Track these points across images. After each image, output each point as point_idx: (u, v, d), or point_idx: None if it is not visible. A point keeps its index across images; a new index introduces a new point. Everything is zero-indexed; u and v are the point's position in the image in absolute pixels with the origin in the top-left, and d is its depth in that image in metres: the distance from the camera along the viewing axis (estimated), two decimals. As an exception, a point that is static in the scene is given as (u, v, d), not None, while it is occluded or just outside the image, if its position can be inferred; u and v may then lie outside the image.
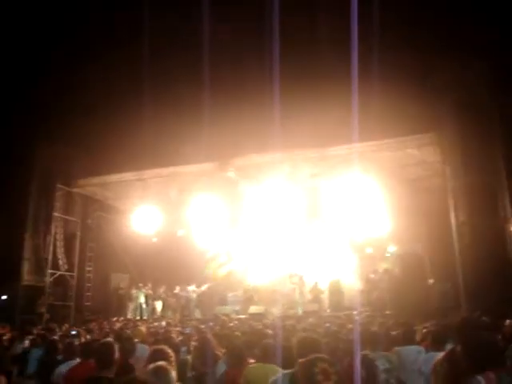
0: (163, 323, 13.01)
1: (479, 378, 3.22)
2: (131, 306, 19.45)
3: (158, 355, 3.96)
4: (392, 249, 18.09)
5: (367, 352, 5.28)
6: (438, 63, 12.88)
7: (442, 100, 12.88)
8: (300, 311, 16.88)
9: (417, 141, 14.35)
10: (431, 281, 15.48)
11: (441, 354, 3.66)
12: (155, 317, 18.40)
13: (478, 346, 3.30)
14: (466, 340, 3.39)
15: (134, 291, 19.70)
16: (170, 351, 4.06)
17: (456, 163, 13.24)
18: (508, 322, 7.01)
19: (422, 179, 16.01)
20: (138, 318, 18.30)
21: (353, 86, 10.12)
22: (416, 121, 13.31)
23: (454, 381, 3.31)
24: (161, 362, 3.55)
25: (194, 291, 19.86)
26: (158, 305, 19.66)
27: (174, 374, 3.39)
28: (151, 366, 3.48)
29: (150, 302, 19.73)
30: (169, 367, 3.41)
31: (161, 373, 3.32)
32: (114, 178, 17.19)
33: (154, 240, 19.80)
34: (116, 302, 19.65)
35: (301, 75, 13.32)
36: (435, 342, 5.20)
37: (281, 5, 10.15)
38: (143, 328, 9.47)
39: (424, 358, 4.84)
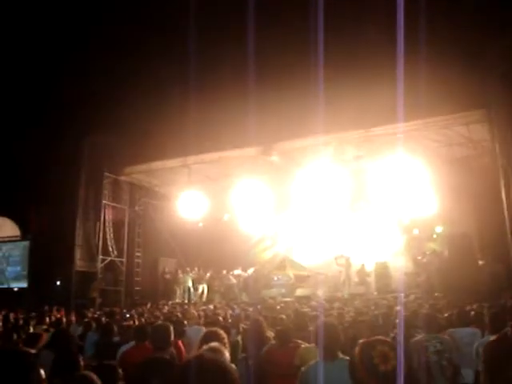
0: (211, 306, 13.20)
1: None
2: (179, 290, 19.79)
3: (211, 337, 4.02)
4: (439, 230, 17.76)
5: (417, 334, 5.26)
6: (486, 39, 12.45)
7: (490, 76, 12.47)
8: (346, 294, 16.79)
9: (465, 118, 13.98)
10: (481, 262, 15.14)
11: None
12: (203, 300, 18.67)
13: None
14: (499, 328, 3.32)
15: (181, 275, 20.02)
16: (222, 333, 4.11)
17: (506, 140, 12.84)
18: None
19: (469, 158, 15.62)
20: (186, 301, 18.59)
21: (398, 64, 9.93)
22: (464, 98, 12.94)
23: (503, 364, 3.26)
24: (214, 343, 3.60)
25: (240, 275, 20.04)
26: (205, 289, 19.92)
27: (227, 354, 3.43)
28: (205, 346, 3.53)
29: (196, 286, 20.02)
30: (222, 348, 3.45)
31: (215, 353, 3.36)
32: (159, 164, 17.44)
33: (200, 225, 20.04)
34: (164, 287, 20.05)
35: (344, 54, 13.12)
36: (494, 324, 4.89)
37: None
38: (193, 310, 9.67)
39: (482, 342, 4.65)
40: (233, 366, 1.74)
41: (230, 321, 8.44)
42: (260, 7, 13.19)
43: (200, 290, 19.87)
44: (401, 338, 4.76)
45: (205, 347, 3.55)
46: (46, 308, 12.47)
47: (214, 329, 4.28)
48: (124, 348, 5.23)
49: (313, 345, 4.90)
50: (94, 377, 2.79)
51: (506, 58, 12.20)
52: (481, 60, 12.70)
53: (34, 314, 10.89)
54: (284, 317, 7.80)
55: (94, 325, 8.05)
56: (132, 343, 5.21)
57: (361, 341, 2.48)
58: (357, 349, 2.42)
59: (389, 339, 2.51)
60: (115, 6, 14.72)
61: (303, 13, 11.42)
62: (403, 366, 2.39)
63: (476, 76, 12.64)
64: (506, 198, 12.84)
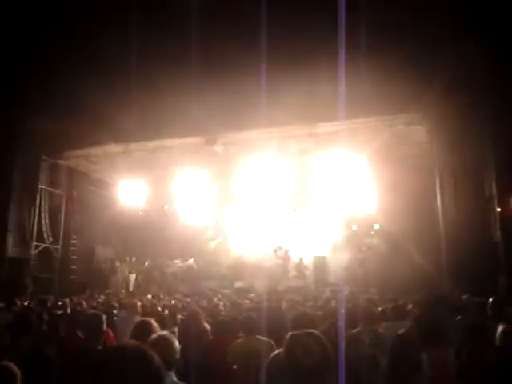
0: (148, 296, 13.03)
1: (423, 355, 3.26)
2: (115, 279, 19.46)
3: (143, 327, 3.93)
4: (377, 226, 18.23)
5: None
6: (430, 41, 12.80)
7: (431, 79, 12.83)
8: (283, 287, 16.97)
9: (405, 119, 14.35)
10: (415, 259, 15.65)
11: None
12: (139, 290, 18.43)
13: (427, 322, 3.34)
14: (419, 316, 3.44)
15: (118, 264, 19.69)
16: (154, 323, 4.03)
17: (443, 143, 13.29)
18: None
19: (409, 158, 16.05)
20: (123, 291, 18.29)
21: (340, 62, 10.07)
22: (405, 99, 13.25)
23: (403, 356, 3.37)
24: (163, 332, 3.52)
25: (179, 265, 19.92)
26: (143, 278, 19.67)
27: (176, 344, 3.33)
28: (154, 335, 3.44)
29: (134, 275, 19.74)
30: (173, 337, 3.36)
31: (164, 343, 3.26)
32: (99, 149, 16.99)
33: (140, 214, 19.76)
34: (100, 275, 19.62)
35: (289, 50, 13.18)
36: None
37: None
38: (127, 300, 9.48)
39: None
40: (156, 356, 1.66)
41: (166, 312, 8.33)
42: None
43: (137, 280, 19.61)
44: (340, 331, 4.83)
45: (153, 336, 3.48)
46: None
47: (146, 319, 4.20)
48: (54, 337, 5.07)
49: (247, 336, 4.92)
50: (14, 368, 2.67)
51: (450, 62, 12.59)
52: (427, 64, 13.04)
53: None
54: (221, 306, 7.80)
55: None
56: (62, 332, 5.06)
57: (289, 333, 2.47)
58: (285, 342, 2.41)
59: (317, 332, 2.50)
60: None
61: (250, 4, 11.40)
62: (333, 358, 2.40)
63: (417, 79, 12.96)
64: (441, 198, 13.32)
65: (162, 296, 13.87)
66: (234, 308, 7.60)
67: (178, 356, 3.31)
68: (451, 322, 3.66)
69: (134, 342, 1.74)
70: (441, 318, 3.37)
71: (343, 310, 6.37)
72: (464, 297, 8.04)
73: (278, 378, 2.43)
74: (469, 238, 11.73)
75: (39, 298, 12.01)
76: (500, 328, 4.03)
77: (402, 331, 3.67)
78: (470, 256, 11.41)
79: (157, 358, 1.61)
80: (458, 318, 5.83)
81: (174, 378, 3.14)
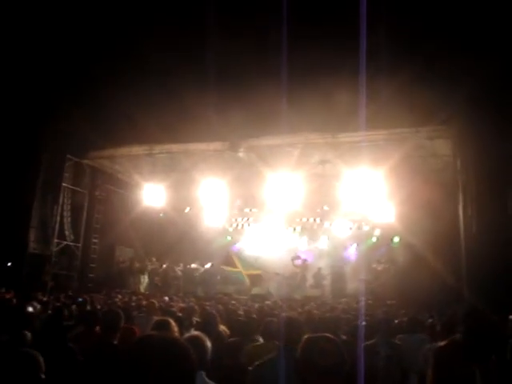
0: (166, 298, 13.09)
1: (475, 369, 3.23)
2: (134, 279, 19.61)
3: (162, 326, 3.98)
4: (397, 239, 18.10)
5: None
6: (453, 54, 12.72)
7: (456, 93, 12.74)
8: (300, 296, 16.94)
9: (428, 132, 14.23)
10: (434, 273, 15.49)
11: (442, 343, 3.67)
12: (157, 291, 18.53)
13: (482, 336, 3.30)
14: (471, 330, 3.39)
15: (137, 265, 19.84)
16: (173, 323, 4.07)
17: (467, 157, 13.16)
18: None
19: (432, 172, 15.93)
20: (142, 291, 18.42)
21: (361, 74, 10.05)
22: (429, 112, 13.18)
23: (451, 370, 3.33)
24: (197, 332, 3.54)
25: (197, 269, 19.99)
26: (161, 280, 19.79)
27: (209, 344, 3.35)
28: (187, 335, 3.46)
29: (153, 276, 19.87)
30: (206, 337, 3.38)
31: (198, 342, 3.28)
32: (124, 151, 17.17)
33: (161, 215, 19.89)
34: (119, 275, 19.80)
35: (311, 60, 13.19)
36: (444, 332, 5.04)
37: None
38: (144, 301, 9.57)
39: (431, 347, 4.77)
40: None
41: (179, 314, 8.37)
42: (228, 3, 13.25)
43: (155, 282, 19.74)
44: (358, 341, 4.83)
45: (186, 335, 3.51)
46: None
47: (165, 318, 4.24)
48: (73, 332, 5.14)
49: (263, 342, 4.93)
50: (40, 358, 2.72)
51: (473, 76, 12.49)
52: (449, 77, 12.95)
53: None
54: (241, 312, 7.82)
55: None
56: (81, 328, 5.13)
57: (305, 336, 2.49)
58: (300, 344, 2.44)
59: (333, 337, 2.53)
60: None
61: (272, 13, 11.45)
62: (348, 364, 2.41)
63: (442, 92, 12.88)
64: (463, 214, 13.17)
65: (176, 298, 13.95)
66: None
67: (209, 357, 3.32)
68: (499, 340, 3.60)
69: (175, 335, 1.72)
70: (494, 331, 3.34)
71: (360, 322, 6.37)
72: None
73: (293, 379, 2.46)
74: (490, 253, 11.57)
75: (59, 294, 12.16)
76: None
77: (443, 344, 3.61)
78: (492, 270, 11.26)
79: (193, 353, 1.61)
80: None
81: (205, 377, 3.17)
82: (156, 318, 5.31)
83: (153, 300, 9.37)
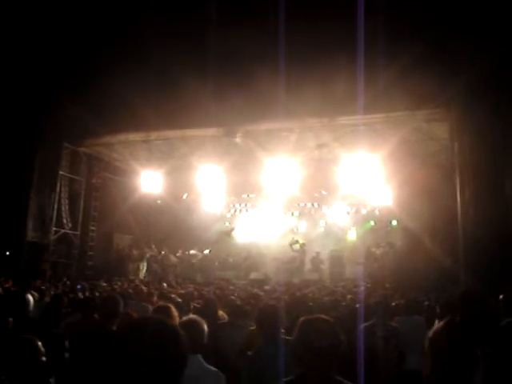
0: (164, 284, 13.14)
1: (477, 350, 3.24)
2: (133, 266, 19.66)
3: (161, 311, 3.98)
4: (395, 222, 18.14)
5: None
6: (452, 39, 12.64)
7: (454, 77, 12.69)
8: (298, 280, 17.00)
9: (425, 116, 14.20)
10: (432, 256, 15.54)
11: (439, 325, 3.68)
12: (155, 278, 18.59)
13: (479, 317, 3.30)
14: (467, 311, 3.39)
15: (136, 252, 19.87)
16: (173, 308, 4.08)
17: (464, 140, 13.14)
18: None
19: (429, 155, 15.93)
20: (142, 278, 18.48)
21: (359, 56, 10.00)
22: (427, 96, 13.12)
23: (451, 352, 3.33)
24: (193, 315, 3.57)
25: (195, 255, 20.04)
26: (160, 267, 19.84)
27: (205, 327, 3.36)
28: (184, 318, 3.48)
29: (151, 263, 19.92)
30: (203, 321, 3.39)
31: (194, 325, 3.29)
32: (120, 138, 17.10)
33: (159, 202, 19.89)
34: (118, 262, 19.84)
35: (308, 43, 13.11)
36: (444, 314, 5.12)
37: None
38: (143, 288, 9.58)
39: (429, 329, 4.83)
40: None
41: (179, 300, 8.39)
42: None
43: (154, 268, 19.79)
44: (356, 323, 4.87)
45: (183, 318, 3.53)
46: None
47: (165, 304, 4.25)
48: (70, 319, 5.16)
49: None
50: (38, 342, 2.74)
51: (472, 60, 12.42)
52: (448, 61, 12.87)
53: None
54: (234, 297, 7.84)
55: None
56: (78, 315, 5.13)
57: (301, 318, 2.52)
58: (297, 326, 2.46)
59: (329, 318, 2.55)
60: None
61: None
62: (344, 345, 2.44)
63: (441, 75, 12.81)
64: (460, 196, 13.17)
65: (175, 284, 13.99)
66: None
67: (205, 341, 3.34)
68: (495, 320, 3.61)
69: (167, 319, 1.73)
70: (493, 313, 3.35)
71: (358, 304, 6.42)
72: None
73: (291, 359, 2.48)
74: (488, 235, 11.60)
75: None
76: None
77: (439, 326, 3.62)
78: (488, 253, 11.31)
79: (185, 337, 1.61)
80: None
81: (202, 360, 3.18)
82: (157, 304, 5.32)
83: (151, 286, 9.41)
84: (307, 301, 7.81)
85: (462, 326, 3.28)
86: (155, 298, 8.35)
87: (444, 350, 3.33)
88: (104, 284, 13.09)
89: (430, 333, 3.63)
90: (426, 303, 7.59)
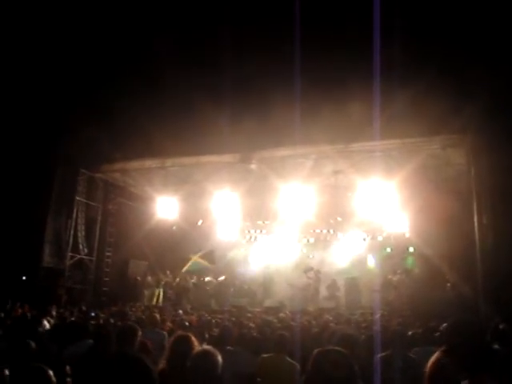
0: (180, 311, 13.08)
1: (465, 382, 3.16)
2: (148, 293, 19.61)
3: (182, 341, 3.92)
4: (411, 249, 17.94)
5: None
6: (466, 64, 12.65)
7: (470, 102, 12.67)
8: (313, 307, 16.81)
9: (442, 141, 14.15)
10: (449, 284, 15.31)
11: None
12: (171, 304, 18.50)
13: (466, 349, 3.22)
14: (454, 342, 3.32)
15: (151, 278, 19.85)
16: (193, 337, 4.01)
17: (480, 165, 13.04)
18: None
19: (445, 181, 15.80)
20: (156, 304, 18.41)
21: (374, 83, 10.03)
22: (443, 122, 13.09)
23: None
24: (208, 346, 3.53)
25: (210, 281, 19.96)
26: (174, 293, 19.78)
27: (220, 359, 3.31)
28: (199, 349, 3.45)
29: (166, 290, 19.86)
30: (217, 351, 3.35)
31: (210, 358, 3.25)
32: (136, 164, 17.24)
33: (174, 228, 19.91)
34: (133, 289, 19.82)
35: (324, 70, 13.20)
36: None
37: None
38: (158, 315, 9.54)
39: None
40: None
41: (194, 327, 8.34)
42: (242, 16, 13.34)
43: (169, 295, 19.73)
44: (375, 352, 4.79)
45: (198, 349, 3.50)
46: (9, 303, 12.23)
47: (185, 334, 4.19)
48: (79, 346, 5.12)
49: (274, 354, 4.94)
50: (50, 373, 2.72)
51: (488, 86, 12.39)
52: (462, 86, 12.86)
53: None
54: (253, 325, 7.78)
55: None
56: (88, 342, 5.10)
57: (316, 350, 2.52)
58: (312, 356, 2.46)
59: (343, 350, 2.55)
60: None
61: (285, 25, 11.49)
62: (359, 377, 2.42)
63: (455, 101, 12.80)
64: (478, 223, 13.02)
65: (189, 311, 13.92)
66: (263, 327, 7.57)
67: (219, 371, 3.30)
68: (490, 350, 3.52)
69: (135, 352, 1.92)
70: (479, 345, 3.26)
71: (375, 333, 6.30)
72: (501, 326, 7.80)
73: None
74: (507, 261, 11.42)
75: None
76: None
77: (436, 357, 3.57)
78: (508, 280, 11.11)
79: (153, 371, 1.72)
80: (496, 346, 5.64)
81: None
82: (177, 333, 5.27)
83: (166, 313, 9.37)
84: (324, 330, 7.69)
85: (451, 357, 3.21)
86: (168, 324, 8.31)
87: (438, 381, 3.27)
88: (119, 311, 13.06)
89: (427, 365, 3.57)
90: (437, 334, 7.41)
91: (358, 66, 11.60)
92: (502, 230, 12.01)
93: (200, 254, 20.94)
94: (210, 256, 21.01)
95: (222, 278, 20.07)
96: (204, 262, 20.69)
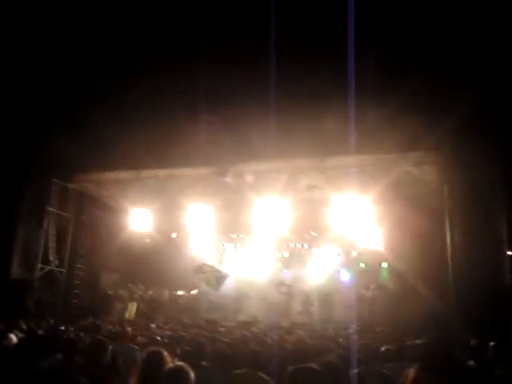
0: (152, 325, 12.87)
1: None
2: (119, 306, 19.30)
3: (154, 358, 3.82)
4: (385, 265, 18.06)
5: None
6: (440, 82, 12.86)
7: (443, 120, 12.86)
8: (286, 323, 16.73)
9: (415, 158, 14.32)
10: (423, 299, 15.43)
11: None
12: (142, 318, 18.23)
13: (442, 365, 3.21)
14: (430, 358, 3.32)
15: (122, 292, 19.55)
16: (165, 353, 3.93)
17: (453, 182, 13.23)
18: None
19: (419, 198, 15.97)
20: (127, 317, 18.12)
21: (349, 97, 10.11)
22: (416, 139, 13.25)
23: None
24: (180, 363, 3.46)
25: (183, 295, 19.77)
26: (146, 306, 19.51)
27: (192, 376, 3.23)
28: (170, 365, 3.37)
29: (138, 303, 19.58)
30: (189, 368, 3.27)
31: (183, 375, 3.17)
32: (111, 175, 17.05)
33: (147, 241, 19.69)
34: (104, 302, 19.49)
35: (299, 84, 13.29)
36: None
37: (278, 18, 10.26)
38: (130, 329, 9.38)
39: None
40: None
41: (166, 341, 8.19)
42: (217, 29, 13.39)
43: (141, 308, 19.45)
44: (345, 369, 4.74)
45: (169, 365, 3.42)
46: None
47: (158, 349, 4.09)
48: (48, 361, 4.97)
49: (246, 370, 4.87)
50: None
51: (460, 106, 12.61)
52: (436, 104, 13.06)
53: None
54: (226, 340, 7.68)
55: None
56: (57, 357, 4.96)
57: (290, 368, 2.53)
58: (286, 374, 2.47)
59: (317, 367, 2.56)
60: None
61: (260, 38, 11.55)
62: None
63: (431, 117, 12.98)
64: (451, 238, 13.18)
65: (161, 325, 13.70)
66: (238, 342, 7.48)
67: None
68: (465, 365, 3.50)
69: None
70: (454, 362, 3.25)
71: (348, 349, 6.28)
72: (472, 342, 7.87)
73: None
74: (478, 278, 11.56)
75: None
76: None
77: (412, 373, 3.55)
78: (478, 297, 11.24)
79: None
80: (471, 362, 5.66)
81: None
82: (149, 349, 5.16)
83: (137, 327, 9.21)
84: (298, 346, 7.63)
85: (422, 374, 3.20)
86: (140, 339, 8.16)
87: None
88: (89, 324, 12.79)
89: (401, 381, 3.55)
90: (410, 350, 7.42)
91: (334, 81, 11.69)
92: (474, 248, 12.18)
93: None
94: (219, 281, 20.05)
95: (195, 291, 19.89)
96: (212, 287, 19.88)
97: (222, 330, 12.01)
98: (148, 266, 20.58)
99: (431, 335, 3.44)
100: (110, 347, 4.26)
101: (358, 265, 19.00)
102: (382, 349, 6.75)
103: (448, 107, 12.58)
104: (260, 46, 11.93)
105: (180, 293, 20.06)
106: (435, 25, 12.30)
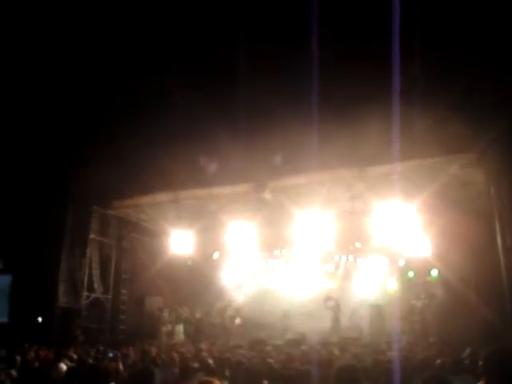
0: (200, 347, 12.67)
1: None
2: (165, 329, 19.22)
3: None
4: (435, 273, 17.44)
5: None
6: (489, 85, 12.39)
7: (488, 118, 12.37)
8: (336, 338, 16.28)
9: (459, 160, 13.82)
10: (476, 307, 14.78)
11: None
12: (189, 341, 18.10)
13: (507, 378, 2.98)
14: (494, 371, 3.09)
15: (166, 314, 19.48)
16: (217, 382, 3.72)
17: (501, 184, 12.67)
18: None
19: (466, 201, 15.38)
20: (174, 341, 18.01)
21: (394, 104, 9.79)
22: (459, 141, 12.79)
23: None
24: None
25: (229, 316, 19.59)
26: (193, 329, 19.39)
27: None
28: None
29: (184, 325, 19.48)
30: None
31: None
32: (148, 199, 17.05)
33: (189, 263, 19.62)
34: (150, 326, 19.46)
35: (340, 92, 13.00)
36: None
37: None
38: (176, 354, 9.19)
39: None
40: None
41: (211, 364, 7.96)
42: (255, 36, 13.25)
43: (187, 331, 19.34)
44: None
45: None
46: (26, 345, 11.98)
47: (210, 379, 3.90)
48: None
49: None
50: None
51: (505, 104, 12.10)
52: (484, 107, 12.57)
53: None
54: (273, 360, 7.41)
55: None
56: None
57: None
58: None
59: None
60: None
61: (301, 44, 11.35)
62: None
63: (472, 119, 12.52)
64: (502, 242, 12.58)
65: (208, 347, 13.50)
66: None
67: None
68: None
69: None
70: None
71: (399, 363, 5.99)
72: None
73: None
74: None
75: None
76: None
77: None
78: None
79: None
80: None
81: None
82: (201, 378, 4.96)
83: (185, 350, 9.02)
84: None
85: None
86: (192, 364, 7.94)
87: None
88: (137, 349, 12.69)
89: None
90: (467, 361, 6.99)
91: (377, 87, 11.38)
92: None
93: None
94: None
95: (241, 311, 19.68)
96: None
97: (269, 348, 11.75)
98: (191, 287, 20.49)
99: (492, 348, 3.17)
100: (156, 375, 4.08)
101: (407, 274, 18.44)
102: (438, 361, 6.41)
103: (497, 108, 12.10)
104: (301, 52, 11.73)
105: (226, 314, 19.86)
106: (483, 23, 11.87)
